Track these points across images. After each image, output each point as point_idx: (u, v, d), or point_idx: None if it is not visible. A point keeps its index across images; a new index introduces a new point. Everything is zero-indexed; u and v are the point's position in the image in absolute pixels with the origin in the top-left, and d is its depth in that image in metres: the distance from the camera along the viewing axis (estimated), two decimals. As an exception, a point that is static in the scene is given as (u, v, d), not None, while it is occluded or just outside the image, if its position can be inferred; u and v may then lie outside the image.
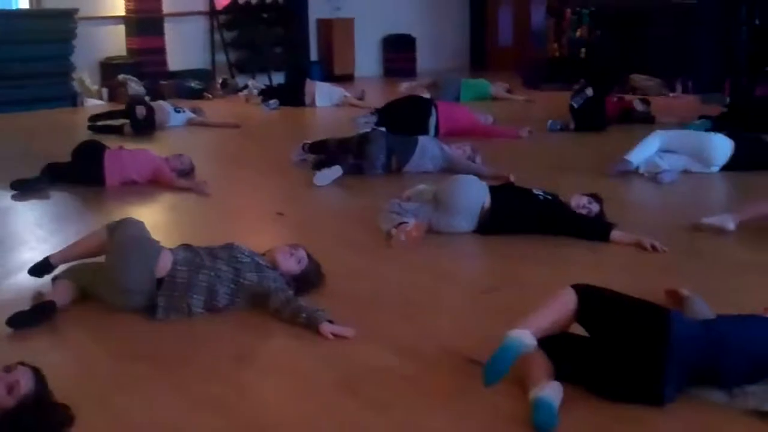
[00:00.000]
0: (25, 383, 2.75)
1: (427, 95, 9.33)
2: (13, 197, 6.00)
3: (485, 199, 4.92)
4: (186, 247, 3.94)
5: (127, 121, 8.46)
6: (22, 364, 2.84)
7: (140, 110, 8.47)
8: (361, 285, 4.21)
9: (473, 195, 4.96)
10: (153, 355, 3.43)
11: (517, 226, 4.85)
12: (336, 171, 6.26)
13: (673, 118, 8.63)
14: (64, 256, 4.09)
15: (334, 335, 3.52)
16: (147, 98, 9.73)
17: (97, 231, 4.03)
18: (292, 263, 3.97)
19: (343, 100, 10.31)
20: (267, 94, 10.55)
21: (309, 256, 4.08)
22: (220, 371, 3.28)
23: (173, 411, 2.99)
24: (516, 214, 4.86)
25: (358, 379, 3.19)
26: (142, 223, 4.03)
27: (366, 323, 3.64)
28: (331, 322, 3.58)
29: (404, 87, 10.61)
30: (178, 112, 9.11)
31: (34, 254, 4.72)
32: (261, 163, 7.15)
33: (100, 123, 8.59)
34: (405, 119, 7.73)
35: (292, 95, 10.28)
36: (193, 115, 9.12)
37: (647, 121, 8.56)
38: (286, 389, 3.15)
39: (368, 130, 7.12)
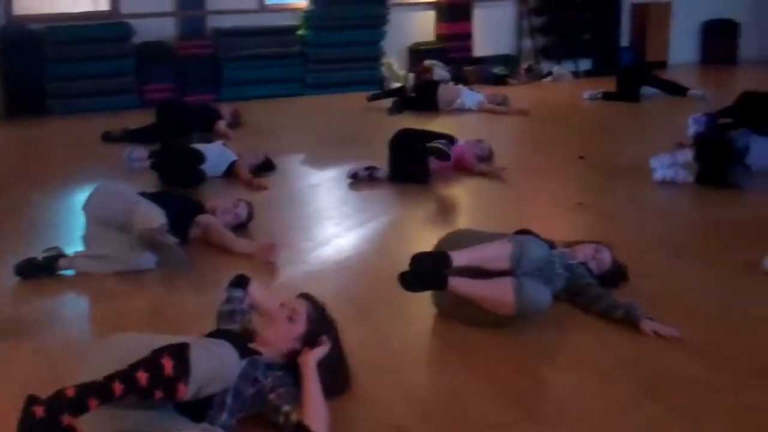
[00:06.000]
0: (301, 307, 2.89)
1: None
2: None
3: None
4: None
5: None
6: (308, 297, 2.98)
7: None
8: (668, 285, 3.92)
9: None
10: (453, 339, 3.40)
11: None
12: (677, 174, 5.71)
13: None
14: (468, 259, 3.39)
15: (656, 333, 3.33)
16: (451, 83, 9.83)
17: (503, 248, 3.40)
18: (595, 265, 3.80)
19: None
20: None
21: (613, 255, 3.88)
22: (520, 363, 3.19)
23: (461, 392, 2.97)
24: None
25: (663, 385, 2.99)
26: (545, 247, 3.59)
27: (673, 327, 3.36)
28: (650, 319, 3.38)
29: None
30: (471, 90, 9.26)
31: (338, 229, 4.94)
32: (563, 151, 6.92)
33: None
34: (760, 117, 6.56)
35: (626, 93, 9.45)
36: (482, 99, 9.06)
37: None
38: (585, 387, 3.00)
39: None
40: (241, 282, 3.16)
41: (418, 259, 3.38)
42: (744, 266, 4.11)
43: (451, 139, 6.11)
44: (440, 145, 5.74)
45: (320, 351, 2.81)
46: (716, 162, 5.63)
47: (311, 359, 2.75)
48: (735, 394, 2.90)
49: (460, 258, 3.34)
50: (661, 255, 4.36)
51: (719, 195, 5.44)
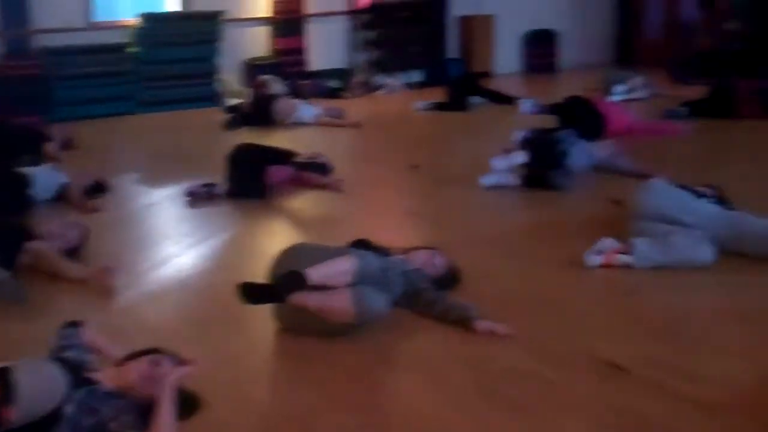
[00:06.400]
0: (170, 372, 2.78)
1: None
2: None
3: None
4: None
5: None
6: (159, 351, 2.88)
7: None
8: (499, 285, 4.11)
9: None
10: (295, 351, 3.44)
11: None
12: (506, 179, 5.99)
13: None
14: (318, 277, 3.41)
15: (490, 332, 3.47)
16: (288, 97, 9.87)
17: (348, 264, 3.47)
18: (430, 270, 3.93)
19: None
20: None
21: (446, 259, 4.04)
22: (360, 369, 3.26)
23: (307, 406, 2.99)
24: None
25: (498, 382, 3.12)
26: (382, 257, 3.76)
27: (505, 325, 3.52)
28: (484, 319, 3.53)
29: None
30: (307, 104, 9.37)
31: (176, 249, 4.89)
32: (397, 161, 7.09)
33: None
34: (583, 121, 7.11)
35: (455, 103, 9.84)
36: (318, 112, 9.20)
37: None
38: (424, 388, 3.10)
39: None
40: (73, 324, 3.04)
41: (278, 280, 3.40)
42: (568, 263, 4.33)
43: (291, 154, 6.16)
44: (313, 160, 5.84)
45: (181, 371, 2.75)
46: (541, 165, 5.94)
47: (171, 381, 2.70)
48: (564, 387, 3.05)
49: (312, 276, 3.38)
50: (492, 256, 4.54)
51: (544, 197, 5.73)
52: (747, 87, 8.55)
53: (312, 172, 5.96)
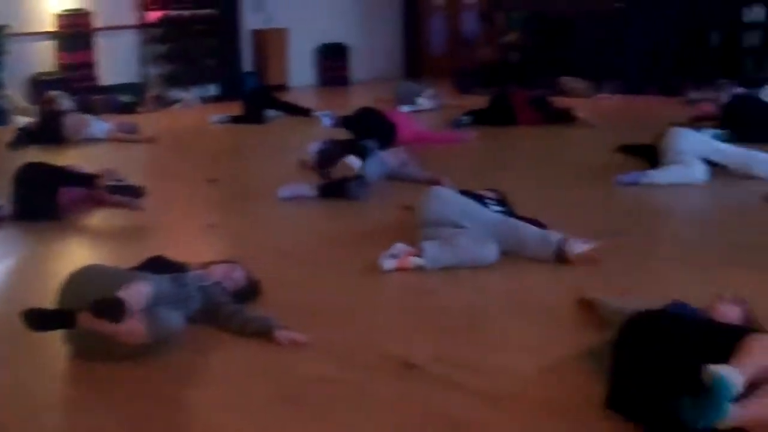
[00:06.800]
0: None
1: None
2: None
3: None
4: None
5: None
6: None
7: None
8: (300, 294, 4.19)
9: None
10: (85, 376, 3.36)
11: None
12: (302, 190, 6.11)
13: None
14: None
15: (290, 341, 3.52)
16: (78, 113, 9.55)
17: (143, 288, 3.38)
18: (229, 284, 3.95)
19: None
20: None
21: (246, 272, 4.08)
22: (158, 388, 3.23)
23: (106, 431, 2.94)
24: None
25: (298, 389, 3.17)
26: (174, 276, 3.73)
27: (304, 332, 3.60)
28: (284, 328, 3.58)
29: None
30: (99, 119, 9.16)
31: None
32: (194, 176, 7.07)
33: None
34: (374, 131, 7.34)
35: (251, 116, 9.87)
36: (111, 128, 8.99)
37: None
38: (226, 404, 3.10)
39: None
40: None
41: (97, 307, 3.26)
42: (365, 269, 4.48)
43: (94, 177, 5.94)
44: (123, 183, 5.68)
45: None
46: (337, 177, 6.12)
47: None
48: (366, 390, 3.13)
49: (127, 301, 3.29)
50: (292, 267, 4.63)
51: (341, 206, 5.89)
52: (523, 96, 9.19)
53: (123, 196, 5.79)
